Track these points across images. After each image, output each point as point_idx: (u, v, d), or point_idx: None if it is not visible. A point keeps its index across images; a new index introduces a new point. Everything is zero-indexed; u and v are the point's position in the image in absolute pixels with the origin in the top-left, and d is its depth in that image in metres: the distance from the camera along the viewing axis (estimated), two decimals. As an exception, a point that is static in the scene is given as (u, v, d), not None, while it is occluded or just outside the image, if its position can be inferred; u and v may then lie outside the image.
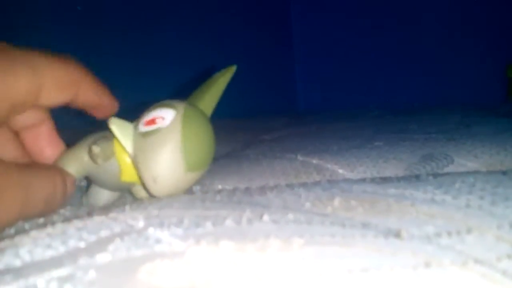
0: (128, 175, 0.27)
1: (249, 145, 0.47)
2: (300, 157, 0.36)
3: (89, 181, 0.29)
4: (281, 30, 1.43)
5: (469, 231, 0.20)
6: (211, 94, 0.30)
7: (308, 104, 1.43)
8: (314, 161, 0.35)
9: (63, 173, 0.25)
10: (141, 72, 0.91)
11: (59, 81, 0.24)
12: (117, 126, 0.26)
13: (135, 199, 0.28)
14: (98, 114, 0.28)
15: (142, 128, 0.26)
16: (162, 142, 0.25)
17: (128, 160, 0.27)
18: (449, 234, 0.19)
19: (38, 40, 0.64)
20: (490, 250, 0.18)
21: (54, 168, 0.25)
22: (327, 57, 1.39)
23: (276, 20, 1.41)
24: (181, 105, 0.27)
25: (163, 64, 0.97)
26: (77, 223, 0.19)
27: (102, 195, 0.29)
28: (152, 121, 0.26)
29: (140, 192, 0.28)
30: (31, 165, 0.24)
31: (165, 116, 0.26)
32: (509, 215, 0.21)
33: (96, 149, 0.25)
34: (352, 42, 1.34)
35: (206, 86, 0.31)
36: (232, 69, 0.32)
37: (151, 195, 0.27)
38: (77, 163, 0.27)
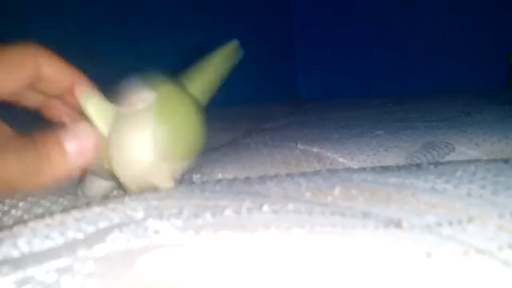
0: (107, 161, 0.24)
1: (249, 134, 0.47)
2: (300, 146, 0.36)
3: (82, 173, 0.28)
4: (282, 18, 1.42)
5: (470, 220, 0.19)
6: (205, 76, 0.27)
7: (309, 92, 1.42)
8: (315, 150, 0.34)
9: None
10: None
11: (7, 65, 0.25)
12: (93, 106, 0.24)
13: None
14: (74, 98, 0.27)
15: (120, 109, 0.24)
16: (134, 126, 0.23)
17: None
18: (450, 223, 0.19)
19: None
20: (491, 239, 0.18)
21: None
22: (328, 46, 1.38)
23: (277, 8, 1.40)
24: (165, 87, 0.24)
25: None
26: (75, 213, 0.19)
27: (98, 186, 0.27)
28: (131, 103, 0.24)
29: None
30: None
31: (145, 98, 0.24)
32: (511, 204, 0.21)
33: None
34: (353, 30, 1.33)
35: (201, 66, 0.27)
36: (231, 46, 0.28)
37: (120, 185, 0.25)
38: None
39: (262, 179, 0.26)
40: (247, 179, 0.26)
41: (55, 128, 0.24)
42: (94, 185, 0.27)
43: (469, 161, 0.28)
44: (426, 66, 1.22)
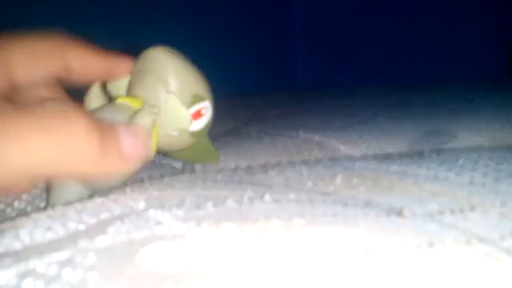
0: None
1: (250, 122, 0.47)
2: (302, 134, 0.35)
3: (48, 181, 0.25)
4: (281, 5, 1.40)
5: (472, 208, 0.19)
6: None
7: (309, 80, 1.41)
8: (316, 138, 0.34)
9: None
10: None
11: (30, 55, 0.24)
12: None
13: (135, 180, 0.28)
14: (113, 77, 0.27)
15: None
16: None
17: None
18: (452, 212, 0.19)
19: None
20: (493, 228, 0.18)
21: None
22: (328, 33, 1.37)
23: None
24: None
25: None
26: (77, 205, 0.19)
27: (66, 195, 0.24)
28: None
29: None
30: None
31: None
32: (513, 192, 0.20)
33: None
34: (354, 17, 1.32)
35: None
36: None
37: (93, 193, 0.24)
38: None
39: (264, 168, 0.25)
40: (248, 168, 0.26)
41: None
42: (63, 194, 0.25)
43: (471, 149, 0.27)
44: (427, 53, 1.20)
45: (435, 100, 0.49)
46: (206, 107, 0.28)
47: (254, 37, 1.20)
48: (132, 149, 0.22)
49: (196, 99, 0.27)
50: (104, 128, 0.21)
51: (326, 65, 1.37)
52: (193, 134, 0.27)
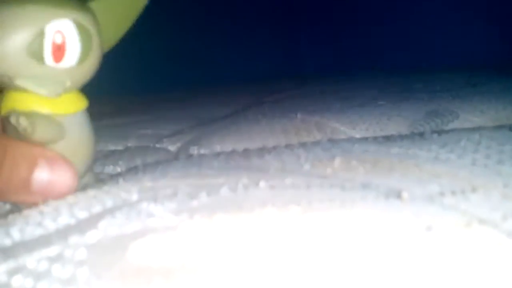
0: None
1: (249, 107, 0.46)
2: (300, 116, 0.35)
3: None
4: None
5: (474, 189, 0.19)
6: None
7: (313, 67, 1.39)
8: (315, 119, 0.34)
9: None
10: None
11: None
12: None
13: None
14: None
15: None
16: None
17: None
18: (453, 193, 0.19)
19: None
20: (495, 209, 0.17)
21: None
22: (331, 20, 1.35)
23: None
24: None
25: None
26: (70, 198, 0.19)
27: None
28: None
29: None
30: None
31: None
32: (516, 173, 0.20)
33: None
34: (356, 3, 1.29)
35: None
36: None
37: None
38: None
39: (261, 151, 0.25)
40: (245, 152, 0.26)
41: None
42: None
43: (473, 129, 0.27)
44: (431, 38, 1.18)
45: (437, 84, 0.48)
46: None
47: (258, 24, 1.19)
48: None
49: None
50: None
51: (328, 52, 1.35)
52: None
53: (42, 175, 0.20)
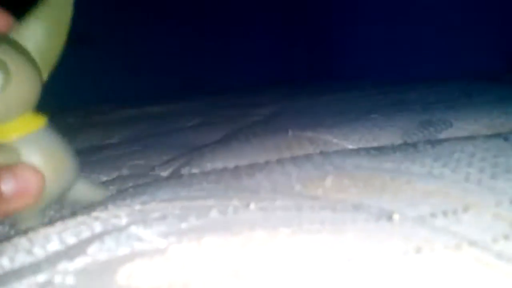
0: None
1: (240, 129, 0.45)
2: (291, 132, 0.34)
3: None
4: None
5: (466, 209, 0.19)
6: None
7: (306, 74, 1.39)
8: (308, 134, 0.33)
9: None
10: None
11: None
12: None
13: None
14: None
15: None
16: None
17: None
18: (445, 214, 0.19)
19: None
20: (486, 230, 0.17)
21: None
22: (331, 28, 1.35)
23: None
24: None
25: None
26: (59, 225, 0.19)
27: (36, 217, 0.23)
28: None
29: None
30: None
31: None
32: (509, 189, 0.20)
33: None
34: (351, 12, 1.29)
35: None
36: None
37: None
38: None
39: (252, 169, 0.25)
40: (236, 170, 0.25)
41: None
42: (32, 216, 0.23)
43: (467, 139, 0.26)
44: (425, 49, 1.17)
45: (431, 95, 0.48)
46: None
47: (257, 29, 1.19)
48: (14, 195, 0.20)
49: None
50: None
51: (325, 59, 1.35)
52: None
53: (8, 185, 0.20)
